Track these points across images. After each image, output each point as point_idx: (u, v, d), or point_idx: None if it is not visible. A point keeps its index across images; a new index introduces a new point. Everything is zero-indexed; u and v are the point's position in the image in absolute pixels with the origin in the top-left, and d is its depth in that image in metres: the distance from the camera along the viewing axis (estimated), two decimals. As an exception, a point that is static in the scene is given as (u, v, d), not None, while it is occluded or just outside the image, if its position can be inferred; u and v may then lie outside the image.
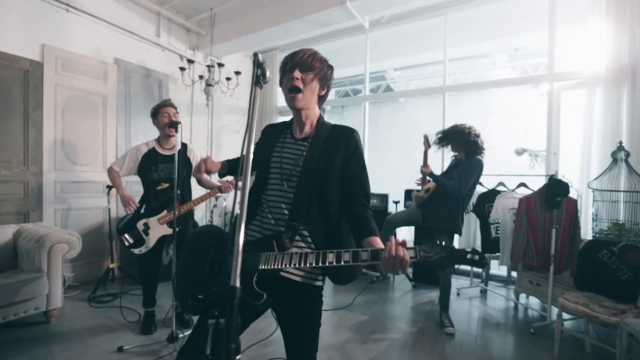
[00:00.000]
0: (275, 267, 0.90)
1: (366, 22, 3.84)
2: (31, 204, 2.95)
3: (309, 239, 1.04)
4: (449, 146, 2.63)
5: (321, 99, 1.14)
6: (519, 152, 5.24)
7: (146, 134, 3.83)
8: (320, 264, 0.87)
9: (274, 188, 1.08)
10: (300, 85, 1.03)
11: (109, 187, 3.19)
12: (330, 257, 0.88)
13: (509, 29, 4.32)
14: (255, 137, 0.87)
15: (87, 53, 3.38)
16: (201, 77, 4.06)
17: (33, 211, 2.96)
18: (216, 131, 4.81)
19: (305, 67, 1.04)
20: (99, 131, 3.45)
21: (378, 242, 0.96)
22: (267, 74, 0.84)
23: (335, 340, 2.30)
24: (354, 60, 5.29)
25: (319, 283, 1.08)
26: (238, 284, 0.55)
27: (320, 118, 1.14)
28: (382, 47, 4.92)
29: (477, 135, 2.50)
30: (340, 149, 1.06)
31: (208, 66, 3.94)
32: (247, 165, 0.70)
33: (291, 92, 1.04)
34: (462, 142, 2.49)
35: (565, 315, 2.42)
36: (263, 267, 0.91)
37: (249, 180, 0.73)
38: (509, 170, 3.78)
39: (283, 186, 1.06)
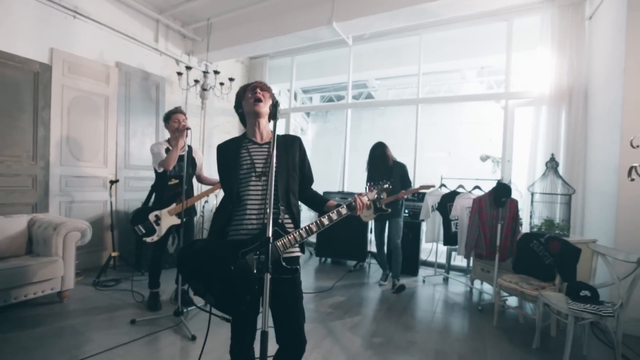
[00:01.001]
0: (293, 246, 1.24)
1: (350, 40, 4.29)
2: (39, 196, 3.19)
3: (288, 217, 1.38)
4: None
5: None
6: (483, 159, 5.87)
7: (144, 132, 4.13)
8: (320, 229, 1.27)
9: (249, 185, 1.33)
10: (262, 98, 1.40)
11: (112, 182, 3.46)
12: (326, 221, 1.29)
13: (476, 49, 4.88)
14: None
15: (91, 57, 3.63)
16: (196, 81, 4.36)
17: (40, 203, 3.19)
18: (208, 132, 5.11)
19: (264, 88, 1.44)
20: (100, 130, 3.71)
21: (333, 203, 1.42)
22: (279, 108, 1.24)
23: (317, 316, 2.71)
24: (338, 70, 5.73)
25: (298, 253, 1.40)
26: (270, 235, 0.93)
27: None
28: (364, 59, 5.38)
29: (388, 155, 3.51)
30: (296, 151, 1.47)
31: (204, 72, 4.25)
32: (271, 173, 1.07)
33: (256, 102, 1.39)
34: (387, 158, 3.48)
35: (508, 296, 2.96)
36: (285, 250, 1.23)
37: (273, 184, 1.09)
38: (474, 175, 4.33)
39: (259, 181, 1.36)
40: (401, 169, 3.48)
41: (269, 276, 0.88)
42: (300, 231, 1.26)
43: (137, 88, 4.07)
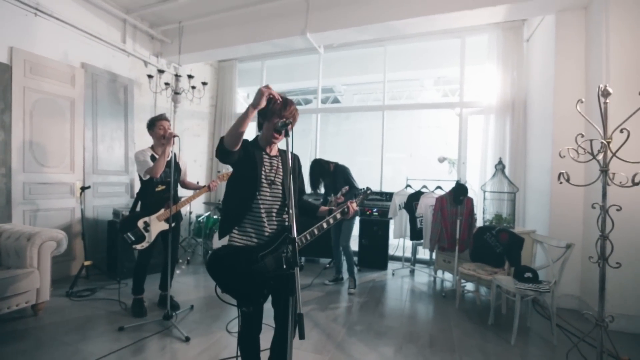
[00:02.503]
0: (304, 243, 1.45)
1: (321, 49, 4.52)
2: (0, 205, 2.99)
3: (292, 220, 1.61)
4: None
5: None
6: (441, 160, 6.43)
7: (112, 136, 4.01)
8: (321, 232, 1.49)
9: (265, 191, 1.52)
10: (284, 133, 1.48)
11: (82, 189, 3.34)
12: (325, 225, 1.52)
13: (433, 61, 5.38)
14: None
15: (55, 57, 3.46)
16: (167, 84, 4.30)
17: (2, 212, 2.99)
18: (178, 135, 5.01)
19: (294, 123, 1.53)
20: (66, 134, 3.54)
21: (325, 209, 1.66)
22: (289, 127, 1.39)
23: (302, 310, 2.89)
24: (307, 75, 5.94)
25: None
26: (295, 235, 1.12)
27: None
28: (333, 66, 5.66)
29: (327, 162, 3.60)
30: (296, 166, 1.65)
31: (176, 75, 4.21)
32: (290, 180, 1.24)
33: (279, 134, 1.49)
34: (324, 169, 3.57)
35: (466, 282, 3.38)
36: (298, 247, 1.39)
37: (294, 196, 1.24)
38: (433, 174, 4.78)
39: (269, 188, 1.52)
40: (342, 171, 3.54)
41: (298, 270, 1.06)
42: (307, 235, 1.46)
43: (104, 90, 3.93)
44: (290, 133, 1.33)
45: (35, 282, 2.47)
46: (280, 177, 1.55)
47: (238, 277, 1.39)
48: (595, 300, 1.97)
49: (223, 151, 1.38)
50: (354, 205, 1.64)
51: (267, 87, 1.35)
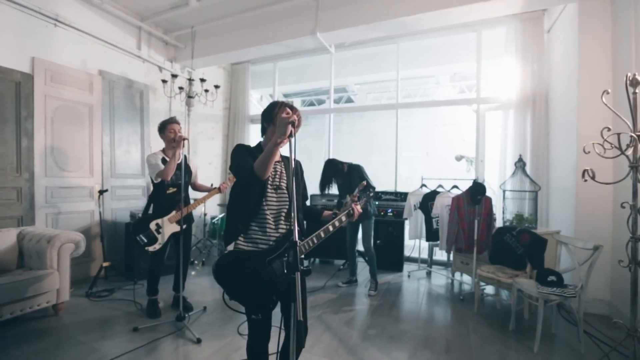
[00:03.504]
0: (311, 247, 1.42)
1: (332, 48, 4.48)
2: (24, 208, 3.11)
3: (298, 227, 1.47)
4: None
5: None
6: (458, 158, 6.24)
7: (129, 140, 4.11)
8: (327, 235, 1.47)
9: (271, 196, 1.49)
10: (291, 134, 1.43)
11: (101, 192, 3.44)
12: (331, 228, 1.48)
13: (449, 57, 5.22)
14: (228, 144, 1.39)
15: (74, 65, 3.58)
16: (181, 88, 4.37)
17: (26, 216, 3.12)
18: (192, 138, 5.10)
19: (297, 125, 1.43)
20: (85, 139, 3.65)
21: (329, 213, 1.63)
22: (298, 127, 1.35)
23: (314, 313, 2.86)
24: (319, 75, 5.92)
25: (303, 255, 1.59)
26: (297, 239, 1.08)
27: None
28: (345, 66, 5.60)
29: (341, 163, 3.55)
30: (299, 171, 1.65)
31: (189, 79, 4.27)
32: (293, 183, 1.20)
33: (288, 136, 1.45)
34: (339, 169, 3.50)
35: (486, 285, 3.24)
36: (304, 251, 1.39)
37: (296, 198, 1.20)
38: (450, 173, 4.63)
39: (275, 193, 1.51)
40: (357, 170, 3.48)
41: (299, 274, 1.02)
42: (313, 238, 1.42)
43: (120, 96, 4.04)
44: (294, 134, 1.30)
45: (55, 282, 2.56)
46: (285, 181, 1.54)
47: (246, 284, 1.37)
48: (627, 306, 1.83)
49: (256, 181, 1.38)
50: (358, 207, 1.62)
51: (287, 113, 1.38)
